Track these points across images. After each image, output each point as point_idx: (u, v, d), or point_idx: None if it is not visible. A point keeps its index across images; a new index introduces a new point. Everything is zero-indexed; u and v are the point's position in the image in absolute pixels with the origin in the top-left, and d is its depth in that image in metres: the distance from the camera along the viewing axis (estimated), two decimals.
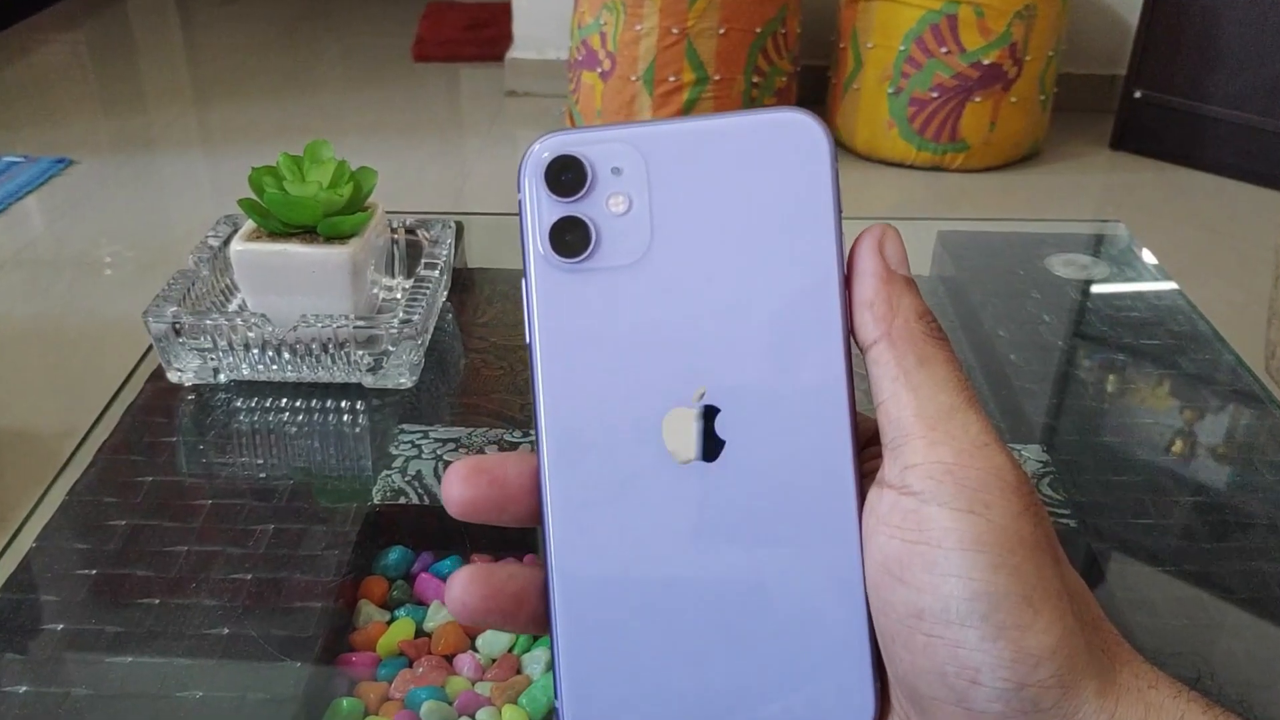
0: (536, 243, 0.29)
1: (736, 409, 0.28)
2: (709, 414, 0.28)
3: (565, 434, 0.29)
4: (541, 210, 0.29)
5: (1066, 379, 0.87)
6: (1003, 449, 0.27)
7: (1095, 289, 0.99)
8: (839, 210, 0.29)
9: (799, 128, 0.29)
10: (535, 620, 0.29)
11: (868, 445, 0.30)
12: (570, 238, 0.28)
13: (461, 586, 0.29)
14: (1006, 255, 1.06)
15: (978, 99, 2.48)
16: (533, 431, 0.29)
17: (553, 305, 0.29)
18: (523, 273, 0.29)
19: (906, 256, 0.29)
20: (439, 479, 0.73)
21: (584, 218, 0.29)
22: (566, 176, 0.29)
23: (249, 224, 0.81)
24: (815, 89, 2.75)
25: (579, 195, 0.29)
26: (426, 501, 0.71)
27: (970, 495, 0.26)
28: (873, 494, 0.28)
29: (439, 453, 0.76)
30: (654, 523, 0.29)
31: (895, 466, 0.27)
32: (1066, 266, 1.01)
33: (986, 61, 2.44)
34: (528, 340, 0.29)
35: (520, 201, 0.29)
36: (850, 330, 0.29)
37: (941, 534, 0.26)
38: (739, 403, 0.28)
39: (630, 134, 0.29)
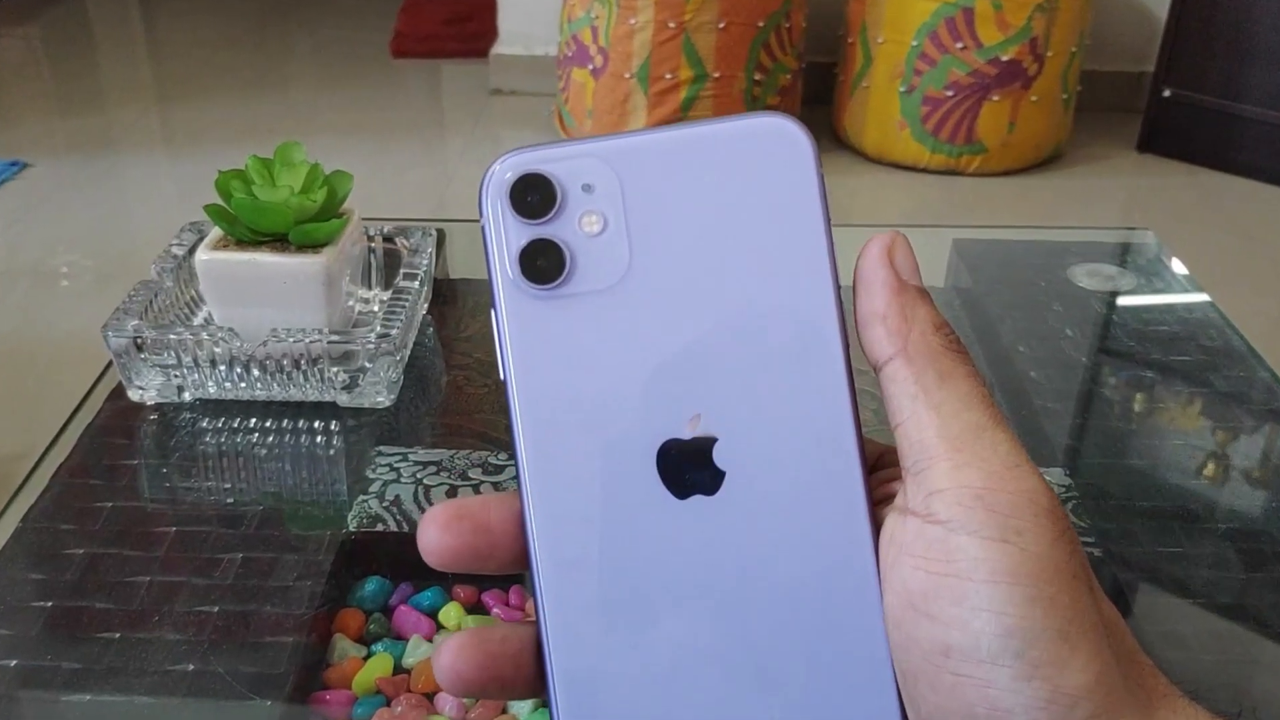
0: (505, 269, 0.28)
1: (734, 437, 0.28)
2: (705, 444, 0.28)
3: (551, 475, 0.28)
4: (508, 234, 0.28)
5: (1090, 398, 0.87)
6: (1034, 470, 0.27)
7: (1121, 301, 1.00)
8: (828, 218, 0.29)
9: (779, 132, 0.29)
10: (534, 685, 0.29)
11: (875, 469, 0.30)
12: (542, 262, 0.28)
13: (452, 654, 0.28)
14: (1026, 265, 1.06)
15: (996, 98, 2.49)
16: (514, 472, 0.29)
17: (527, 336, 0.28)
18: (491, 303, 0.29)
19: (918, 266, 0.29)
20: (419, 504, 0.73)
21: (556, 240, 0.28)
22: (533, 197, 0.28)
23: (215, 231, 0.81)
24: (821, 87, 2.76)
25: (548, 216, 0.28)
26: (405, 529, 0.71)
27: (1002, 522, 0.26)
28: (893, 522, 0.28)
29: (419, 476, 0.76)
30: (654, 564, 0.28)
31: (919, 492, 0.27)
32: (1090, 277, 1.01)
33: (1005, 58, 2.45)
34: (502, 375, 0.28)
35: (484, 227, 0.28)
36: (848, 346, 0.29)
37: (971, 565, 0.26)
38: (737, 430, 0.28)
39: (600, 148, 0.28)
